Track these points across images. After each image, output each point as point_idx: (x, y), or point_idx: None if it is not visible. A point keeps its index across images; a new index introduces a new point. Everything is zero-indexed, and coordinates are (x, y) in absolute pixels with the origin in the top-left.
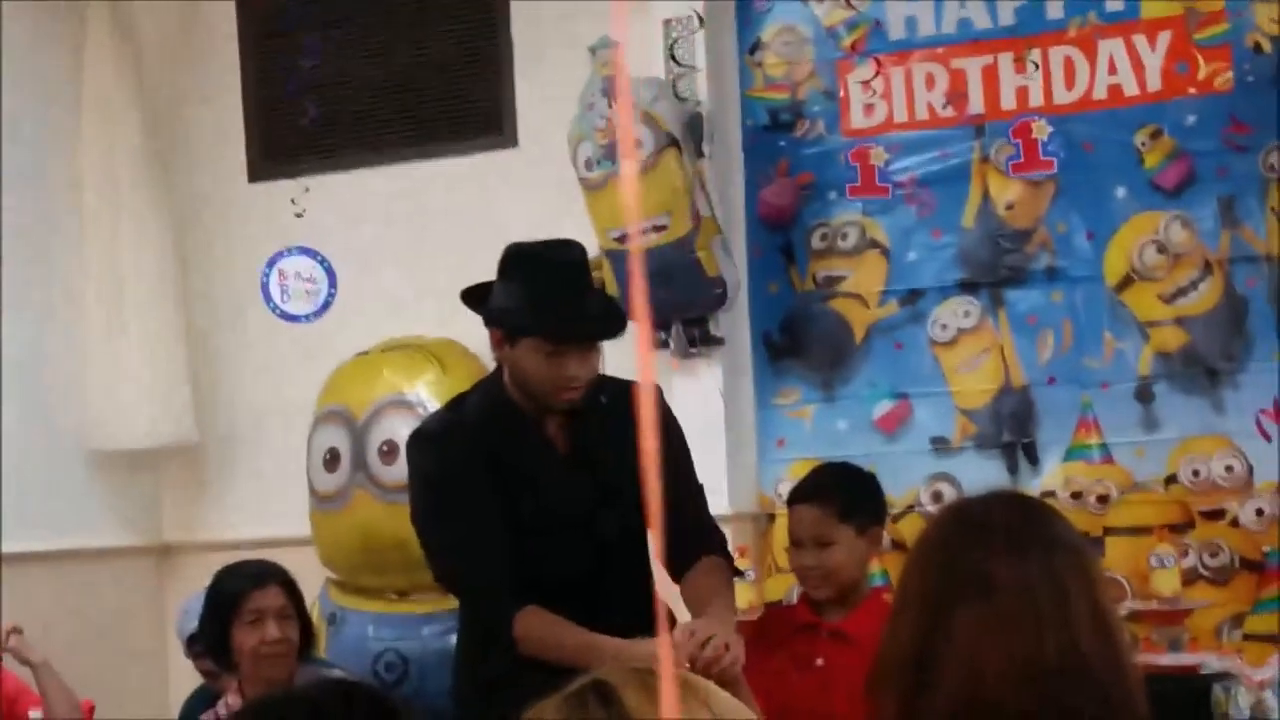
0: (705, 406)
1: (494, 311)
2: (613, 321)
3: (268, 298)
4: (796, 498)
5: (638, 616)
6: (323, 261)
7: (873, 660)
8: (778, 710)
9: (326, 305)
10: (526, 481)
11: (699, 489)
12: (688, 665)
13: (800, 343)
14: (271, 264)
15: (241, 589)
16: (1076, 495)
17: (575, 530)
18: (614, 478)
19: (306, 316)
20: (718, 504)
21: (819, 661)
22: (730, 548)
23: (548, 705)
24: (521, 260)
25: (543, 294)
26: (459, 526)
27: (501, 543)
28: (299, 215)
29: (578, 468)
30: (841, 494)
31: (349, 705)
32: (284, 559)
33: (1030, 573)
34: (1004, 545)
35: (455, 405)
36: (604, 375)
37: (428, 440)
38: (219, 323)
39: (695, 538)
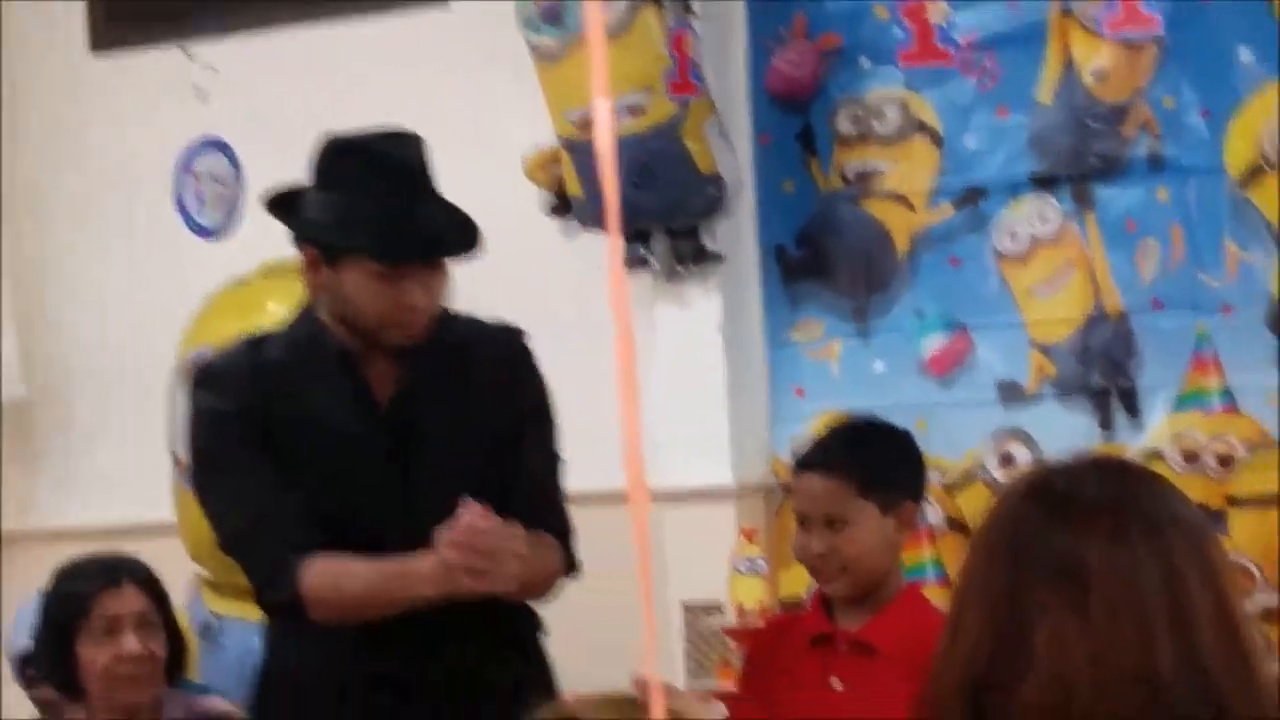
0: (699, 343)
1: (307, 225)
2: (461, 235)
3: (183, 210)
4: (803, 464)
5: (466, 616)
6: (233, 157)
7: (925, 679)
8: None
9: (232, 215)
10: (328, 435)
11: (553, 467)
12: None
13: (825, 259)
14: (188, 165)
15: (88, 591)
16: (1190, 456)
17: (383, 498)
18: (441, 438)
19: (216, 230)
20: (718, 474)
21: (836, 683)
22: (732, 529)
23: None
24: (342, 159)
25: (370, 202)
26: (232, 482)
27: (283, 501)
28: (201, 97)
29: (398, 422)
30: (861, 459)
31: None
32: (144, 551)
33: (1135, 561)
34: (1100, 526)
35: (253, 341)
36: (453, 310)
37: (204, 380)
38: (51, 245)
39: (534, 520)
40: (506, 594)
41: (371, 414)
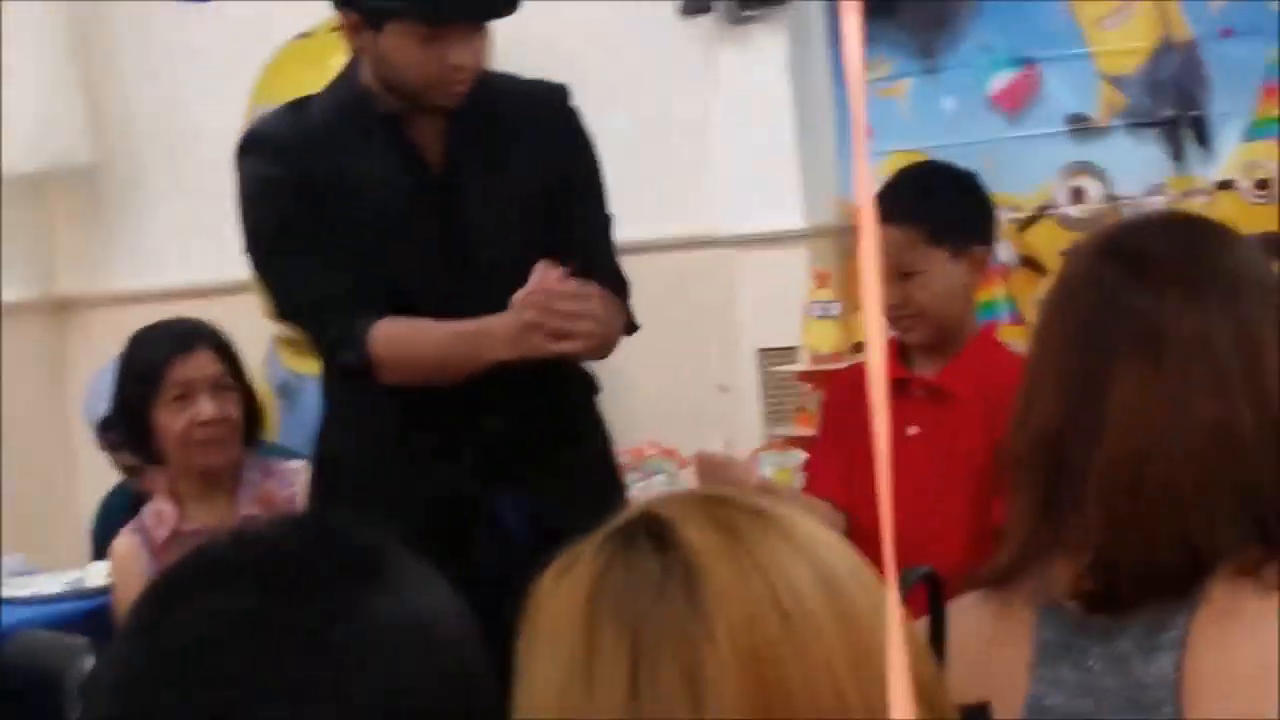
0: (766, 86)
1: None
2: None
3: None
4: None
5: (518, 371)
6: None
7: (1002, 436)
8: (861, 496)
9: None
10: (378, 199)
11: (606, 227)
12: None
13: None
14: None
15: (162, 357)
16: (1262, 185)
17: (439, 259)
18: (494, 198)
19: None
20: (787, 218)
21: (911, 430)
22: (805, 273)
23: (584, 551)
24: None
25: None
26: (288, 249)
27: (338, 265)
28: None
29: (450, 183)
30: (927, 206)
31: (312, 566)
32: (216, 312)
33: (1209, 318)
34: (1176, 286)
35: (298, 104)
36: (497, 71)
37: (251, 147)
38: (115, 11)
39: (584, 273)
40: (577, 354)
41: (424, 176)
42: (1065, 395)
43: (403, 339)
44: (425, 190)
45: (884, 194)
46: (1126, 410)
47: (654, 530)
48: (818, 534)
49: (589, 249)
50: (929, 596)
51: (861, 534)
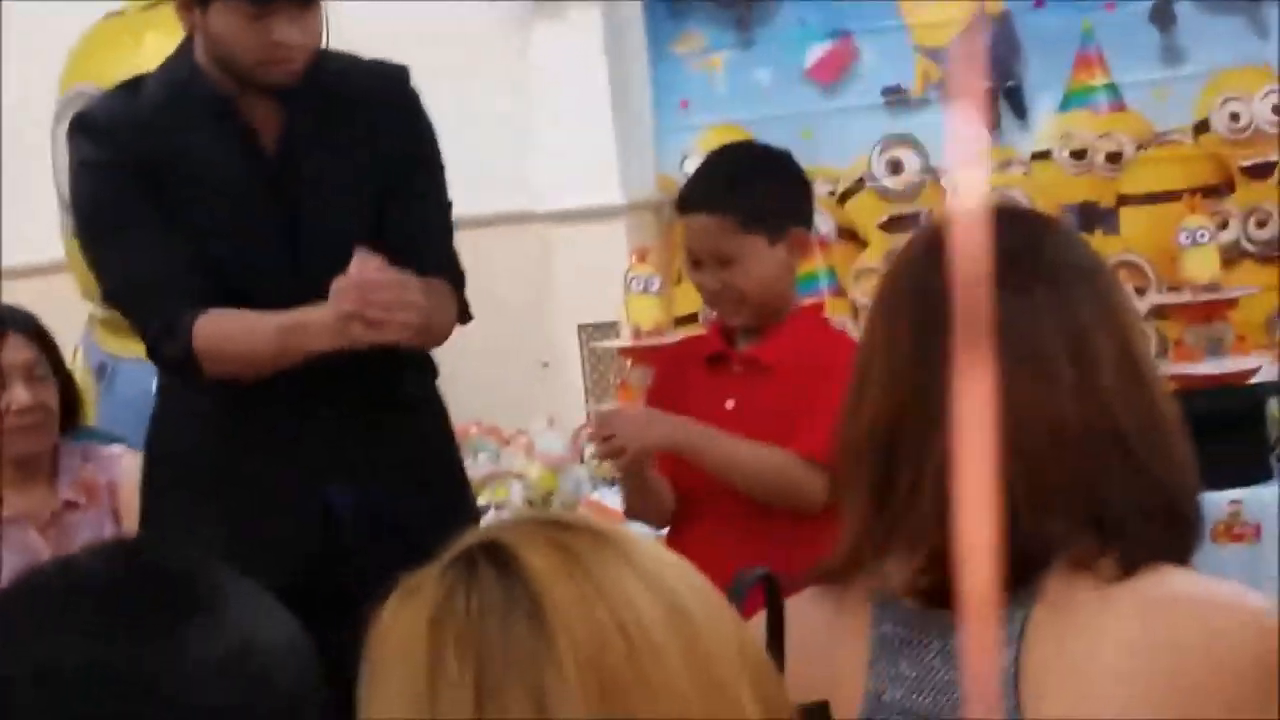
0: (581, 61)
1: None
2: None
3: None
4: (683, 205)
5: (342, 358)
6: None
7: (832, 434)
8: (684, 465)
9: None
10: (212, 182)
11: (443, 212)
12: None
13: None
14: None
15: None
16: (1078, 155)
17: (271, 245)
18: (330, 183)
19: None
20: (606, 194)
21: (729, 403)
22: (624, 248)
23: (425, 579)
24: None
25: None
26: (118, 232)
27: (173, 252)
28: None
29: (285, 167)
30: (738, 193)
31: (136, 603)
32: (30, 293)
33: (1036, 309)
34: (1001, 276)
35: (131, 84)
36: (335, 50)
37: (81, 128)
38: None
39: (427, 267)
40: (402, 342)
41: (258, 159)
42: (898, 387)
43: (224, 332)
44: (259, 173)
45: (694, 182)
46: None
47: (495, 556)
48: (657, 554)
49: (422, 233)
50: (766, 595)
51: (684, 498)
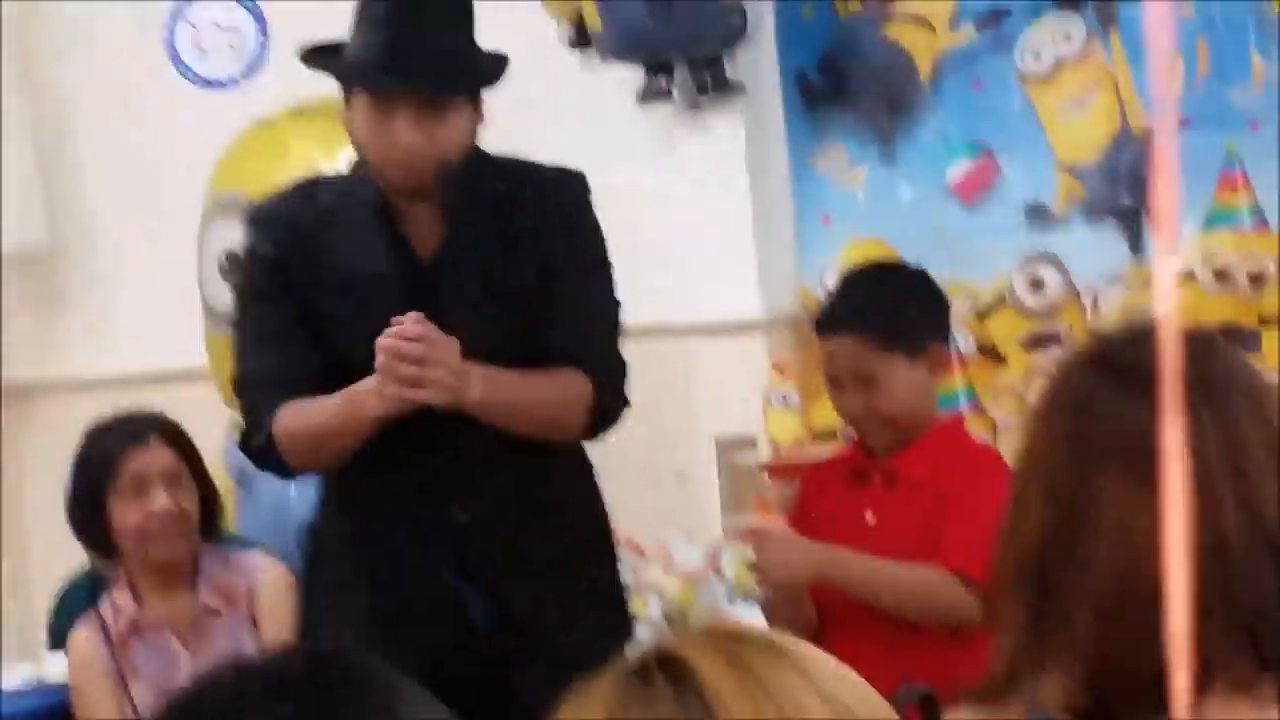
0: (722, 174)
1: (311, 54)
2: (465, 65)
3: (176, 59)
4: (821, 327)
5: (486, 449)
6: (249, 3)
7: (991, 553)
8: (823, 588)
9: (256, 64)
10: (360, 285)
11: (597, 304)
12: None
13: (847, 84)
14: (177, 14)
15: (116, 450)
16: (1221, 275)
17: None
18: (477, 295)
19: (231, 80)
20: (745, 307)
21: (870, 518)
22: (763, 362)
23: (598, 688)
24: None
25: (370, 30)
26: (253, 326)
27: (291, 350)
28: None
29: (436, 274)
30: (877, 313)
31: (314, 697)
32: (176, 398)
33: (1199, 431)
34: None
35: (309, 183)
36: (513, 158)
37: (251, 221)
38: (70, 92)
39: (564, 354)
40: (449, 406)
41: (409, 265)
42: (1054, 509)
43: (296, 416)
44: (408, 278)
45: (831, 303)
46: (1116, 525)
47: (669, 668)
48: (833, 669)
49: (565, 323)
50: (924, 713)
51: (827, 613)
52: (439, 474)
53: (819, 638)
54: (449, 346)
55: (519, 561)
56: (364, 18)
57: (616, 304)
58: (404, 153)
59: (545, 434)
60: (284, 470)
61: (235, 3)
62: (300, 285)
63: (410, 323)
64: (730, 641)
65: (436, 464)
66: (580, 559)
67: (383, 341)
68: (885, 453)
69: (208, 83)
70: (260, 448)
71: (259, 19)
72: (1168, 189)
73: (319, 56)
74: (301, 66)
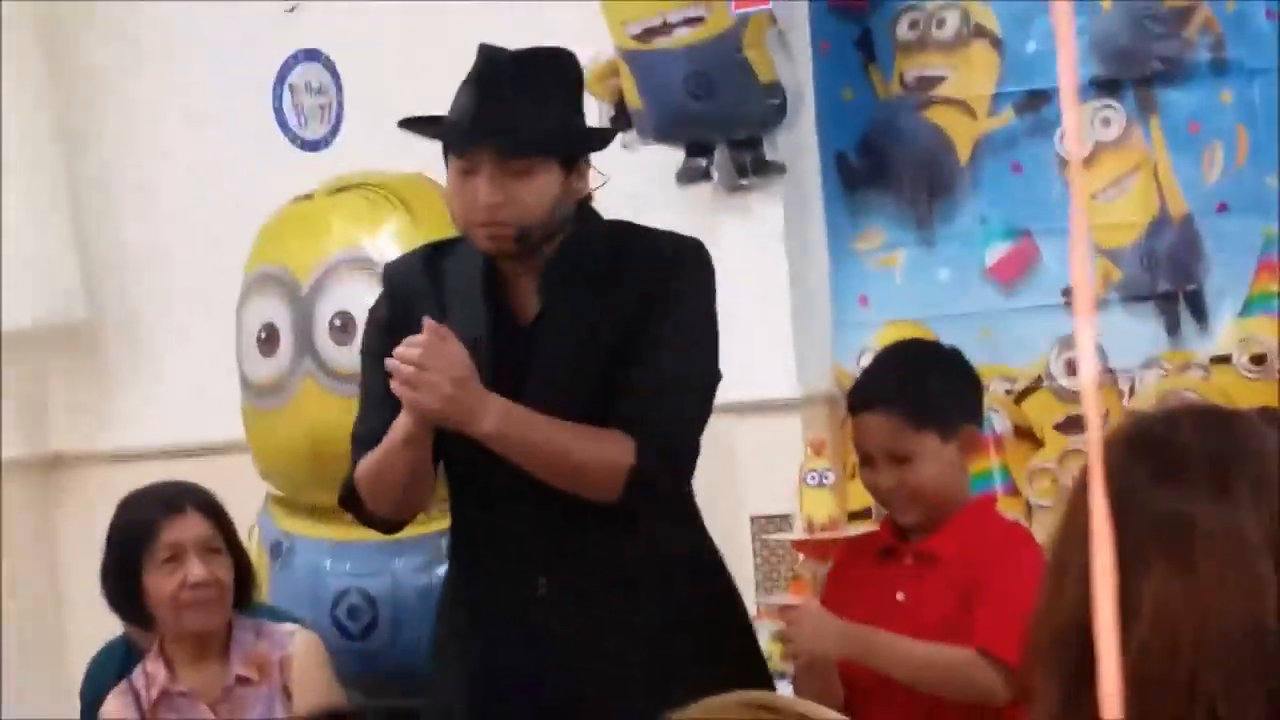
0: (762, 254)
1: (411, 118)
2: (546, 133)
3: (284, 125)
4: (855, 403)
5: (570, 527)
6: (329, 64)
7: (1026, 632)
8: (851, 663)
9: (339, 123)
10: (463, 343)
11: (674, 369)
12: None
13: (886, 167)
14: (283, 78)
15: (151, 519)
16: (1258, 360)
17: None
18: (568, 353)
19: (324, 140)
20: (783, 386)
21: (900, 596)
22: (799, 441)
23: None
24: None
25: (460, 96)
26: (364, 386)
27: (388, 408)
28: (290, 10)
29: (530, 337)
30: (913, 391)
31: None
32: (212, 471)
33: (1240, 515)
34: (1204, 480)
35: (439, 244)
36: (627, 224)
37: (383, 280)
38: (112, 165)
39: (627, 416)
40: (455, 426)
41: (505, 328)
42: (1092, 589)
43: (367, 459)
44: (503, 343)
45: (865, 379)
46: (1156, 606)
47: None
48: None
49: (635, 390)
50: None
51: (855, 688)
52: (527, 547)
53: (847, 711)
54: (451, 357)
55: (596, 642)
56: (462, 86)
57: (702, 376)
58: (481, 212)
59: (574, 487)
60: (374, 521)
61: (320, 66)
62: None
63: (425, 330)
64: (763, 711)
65: (526, 537)
66: (670, 629)
67: (399, 346)
68: (916, 532)
69: (307, 144)
70: (345, 498)
71: (337, 79)
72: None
73: (417, 124)
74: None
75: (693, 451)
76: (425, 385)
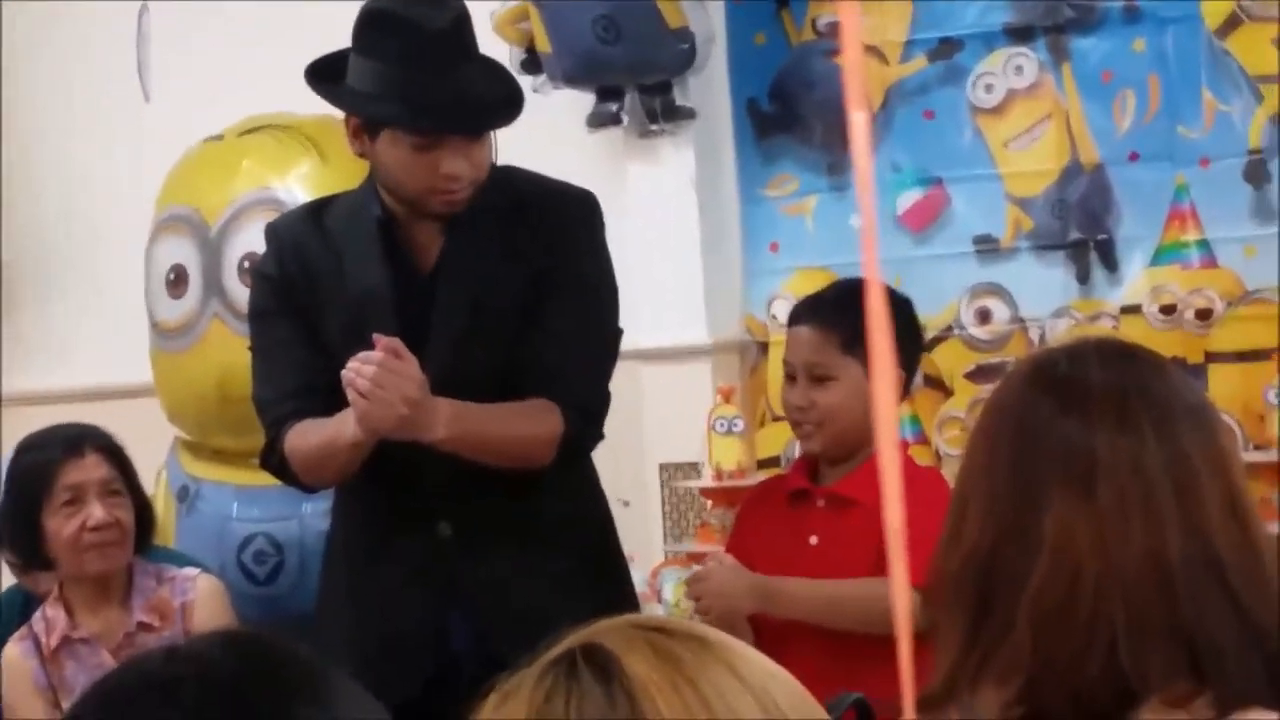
0: (672, 201)
1: (343, 95)
2: (498, 101)
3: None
4: (793, 316)
5: (482, 479)
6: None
7: (929, 568)
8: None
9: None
10: (359, 300)
11: (583, 333)
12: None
13: (797, 113)
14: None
15: (51, 461)
16: (1168, 309)
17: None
18: (468, 301)
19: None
20: (693, 333)
21: (813, 539)
22: (709, 388)
23: (523, 680)
24: (377, 26)
25: (403, 70)
26: (261, 346)
27: (299, 368)
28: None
29: (432, 289)
30: (851, 316)
31: (244, 682)
32: (121, 414)
33: (1143, 448)
34: (1107, 413)
35: (321, 202)
36: (516, 170)
37: (265, 238)
38: (21, 103)
39: (539, 385)
40: (409, 438)
41: (409, 279)
42: (997, 519)
43: (299, 435)
44: (408, 293)
45: (812, 298)
46: (1059, 537)
47: (596, 660)
48: (762, 664)
49: (544, 351)
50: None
51: (762, 636)
52: (429, 492)
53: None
54: (405, 375)
55: (505, 588)
56: (380, 52)
57: (608, 331)
58: (452, 181)
59: (512, 465)
60: (301, 485)
61: None
62: (304, 302)
63: (378, 347)
64: (658, 635)
65: (428, 482)
66: (577, 580)
67: (345, 371)
68: (828, 475)
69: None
70: (276, 467)
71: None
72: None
73: (323, 83)
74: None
75: (607, 407)
76: (379, 402)
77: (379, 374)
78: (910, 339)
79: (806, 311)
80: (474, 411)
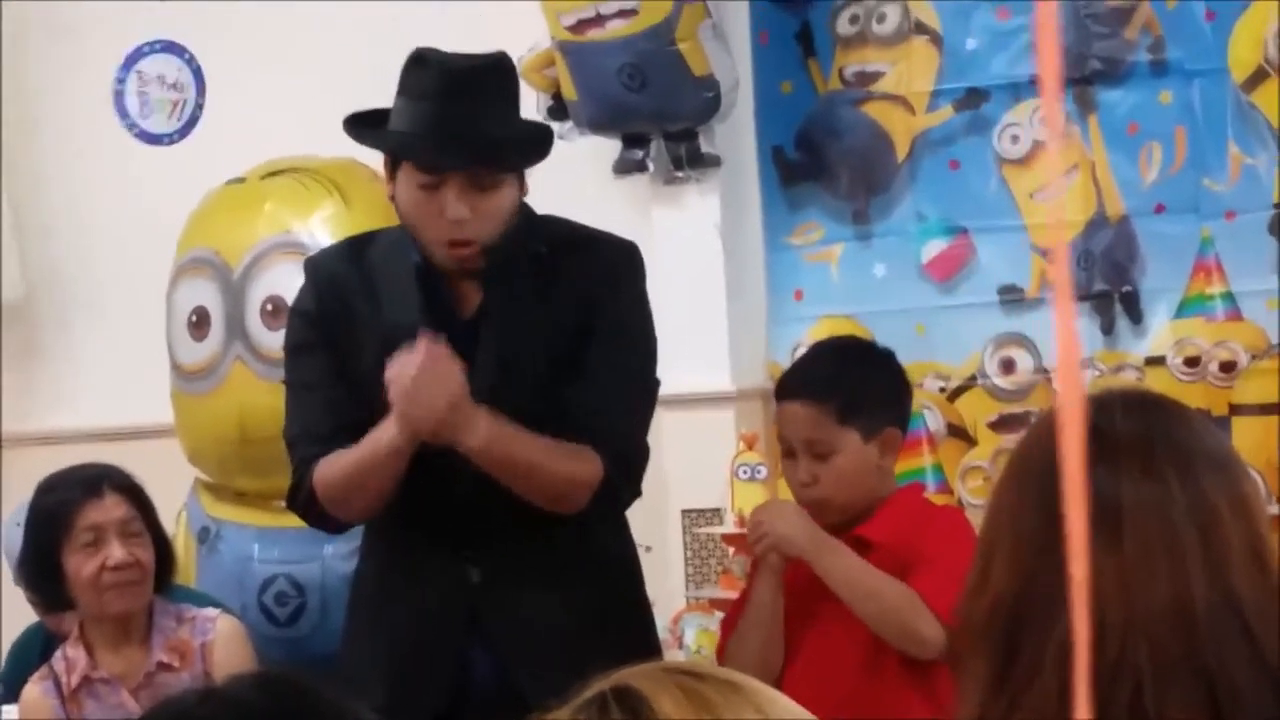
0: (697, 248)
1: (353, 123)
2: (514, 143)
3: (122, 112)
4: (781, 392)
5: (511, 519)
6: (190, 61)
7: (959, 604)
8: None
9: (193, 121)
10: (397, 344)
11: (623, 382)
12: None
13: (823, 162)
14: (129, 65)
15: (70, 502)
16: (1192, 362)
17: None
18: (512, 348)
19: (170, 136)
20: (717, 380)
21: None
22: (732, 435)
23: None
24: (414, 63)
25: (420, 102)
26: (295, 383)
27: (331, 408)
28: None
29: (473, 334)
30: (841, 385)
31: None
32: (142, 454)
33: (1167, 496)
34: (1132, 461)
35: (362, 238)
36: (557, 219)
37: (305, 274)
38: (47, 147)
39: (585, 430)
40: (444, 441)
41: (447, 327)
42: (1023, 566)
43: (330, 464)
44: (444, 337)
45: (795, 370)
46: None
47: (627, 702)
48: (788, 707)
49: (586, 396)
50: None
51: (791, 616)
52: (458, 529)
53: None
54: (447, 376)
55: (528, 626)
56: (410, 90)
57: (648, 381)
58: (448, 229)
59: (544, 502)
60: (328, 523)
61: (182, 61)
62: (340, 338)
63: (422, 347)
64: (686, 677)
65: (457, 519)
66: (601, 623)
67: (395, 361)
68: (848, 524)
69: (148, 137)
70: (303, 504)
71: (199, 79)
72: None
73: (361, 126)
74: (274, 127)
75: (646, 460)
76: (421, 403)
77: (421, 372)
78: (897, 393)
79: (796, 386)
80: (515, 431)
